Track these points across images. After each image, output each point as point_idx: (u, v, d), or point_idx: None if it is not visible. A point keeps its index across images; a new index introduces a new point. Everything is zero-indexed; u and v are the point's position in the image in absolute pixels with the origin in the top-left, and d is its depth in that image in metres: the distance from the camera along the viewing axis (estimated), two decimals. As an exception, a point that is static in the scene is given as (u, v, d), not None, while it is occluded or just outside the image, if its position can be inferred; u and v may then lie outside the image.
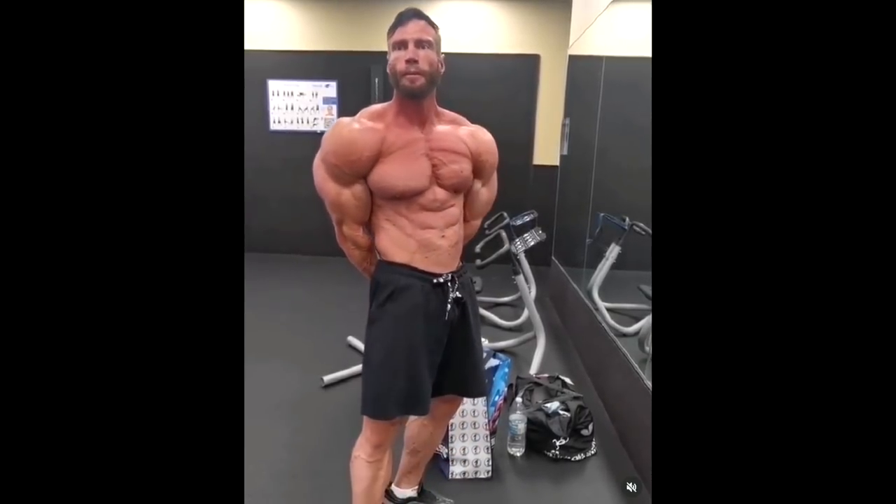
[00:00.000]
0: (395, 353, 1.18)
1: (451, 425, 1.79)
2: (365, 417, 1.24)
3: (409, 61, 1.11)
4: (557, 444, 1.85)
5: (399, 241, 1.21)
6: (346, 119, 1.16)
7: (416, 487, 1.53)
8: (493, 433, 1.83)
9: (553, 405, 1.92)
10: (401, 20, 1.14)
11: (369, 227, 1.27)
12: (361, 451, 1.27)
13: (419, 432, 1.45)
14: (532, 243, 2.53)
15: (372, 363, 1.21)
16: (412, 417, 1.42)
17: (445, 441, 1.79)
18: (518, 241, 2.57)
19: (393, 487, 1.51)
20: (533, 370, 2.44)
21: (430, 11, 5.03)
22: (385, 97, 4.46)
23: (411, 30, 1.12)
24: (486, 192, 1.34)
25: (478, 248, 3.13)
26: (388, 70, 1.15)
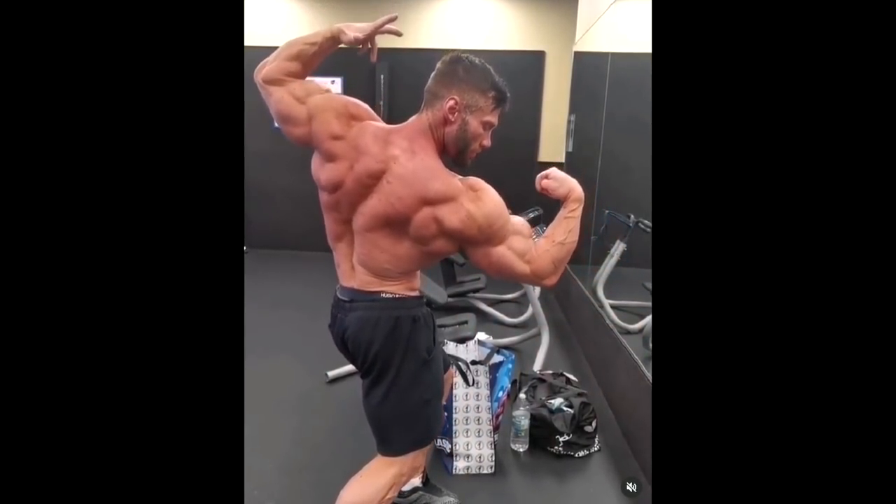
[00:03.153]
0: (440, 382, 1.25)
1: (455, 420, 1.80)
2: (410, 452, 1.22)
3: (484, 147, 1.13)
4: (561, 440, 1.85)
5: (417, 270, 1.19)
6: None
7: (422, 477, 1.53)
8: (496, 429, 1.83)
9: (557, 401, 1.92)
10: (505, 99, 1.11)
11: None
12: (393, 485, 1.22)
13: None
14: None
15: (432, 399, 1.22)
16: None
17: (449, 436, 1.79)
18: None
19: None
20: (537, 366, 2.44)
21: (437, 8, 5.02)
22: (390, 94, 4.47)
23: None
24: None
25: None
26: (466, 131, 1.09)
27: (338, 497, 1.22)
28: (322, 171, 1.13)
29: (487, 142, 1.12)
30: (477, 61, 1.09)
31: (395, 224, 1.07)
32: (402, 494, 1.49)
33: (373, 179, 1.08)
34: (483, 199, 1.05)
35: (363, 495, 1.19)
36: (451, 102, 1.06)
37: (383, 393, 1.16)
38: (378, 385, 1.16)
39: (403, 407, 1.17)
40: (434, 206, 1.04)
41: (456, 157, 1.12)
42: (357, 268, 1.16)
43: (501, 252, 1.08)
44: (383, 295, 1.14)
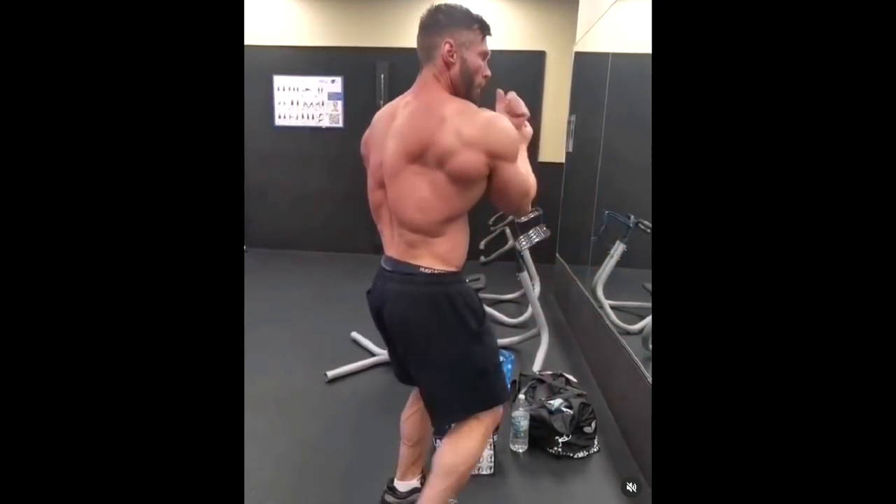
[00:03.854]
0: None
1: (454, 421, 1.80)
2: (484, 412, 1.28)
3: (487, 77, 1.21)
4: (560, 440, 1.85)
5: (464, 244, 1.22)
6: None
7: (420, 477, 1.54)
8: (495, 430, 1.83)
9: (556, 402, 1.92)
10: (488, 27, 1.19)
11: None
12: (483, 439, 1.30)
13: (421, 424, 1.46)
14: (536, 240, 2.52)
15: (489, 368, 1.26)
16: (407, 405, 1.47)
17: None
18: (522, 238, 2.57)
19: (396, 483, 1.52)
20: (536, 367, 2.44)
21: (436, 7, 4.89)
22: (390, 94, 4.47)
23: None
24: None
25: (482, 245, 3.13)
26: (467, 67, 1.17)
27: (434, 464, 1.30)
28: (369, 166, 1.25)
29: (487, 71, 1.20)
30: (451, 3, 1.18)
31: (415, 154, 1.10)
32: (399, 495, 1.50)
33: (389, 135, 1.16)
34: (499, 118, 1.13)
35: (459, 455, 1.27)
36: (447, 46, 1.14)
37: (435, 371, 1.22)
38: (425, 363, 1.22)
39: (460, 381, 1.23)
40: (450, 120, 1.08)
41: (466, 96, 1.18)
42: (396, 232, 1.19)
43: (517, 168, 1.15)
44: (422, 269, 1.16)
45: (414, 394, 1.47)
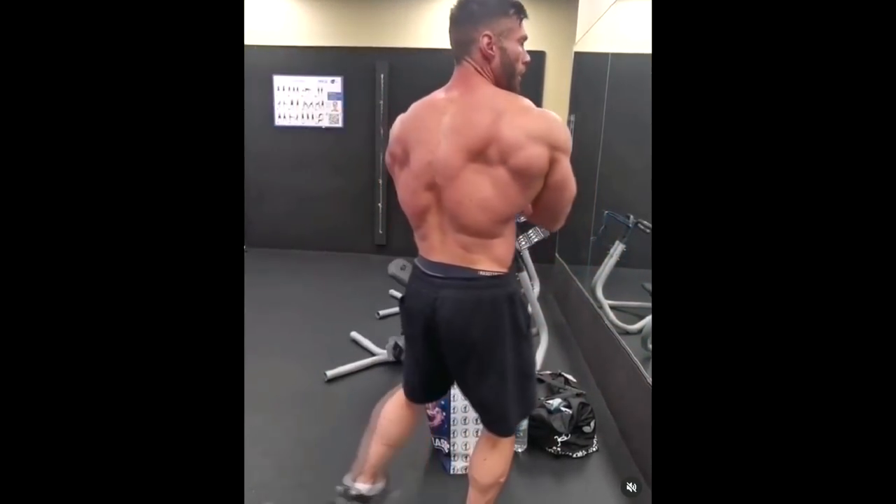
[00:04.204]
0: None
1: (453, 420, 1.80)
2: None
3: (527, 63, 1.14)
4: (559, 440, 1.85)
5: (515, 244, 1.17)
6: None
7: (383, 483, 1.43)
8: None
9: (555, 402, 1.92)
10: (523, 7, 1.11)
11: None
12: (513, 444, 1.31)
13: (412, 426, 1.40)
14: (536, 240, 2.52)
15: (532, 371, 1.25)
16: (395, 405, 1.40)
17: (447, 436, 1.79)
18: (521, 238, 2.57)
19: (360, 486, 1.39)
20: (535, 368, 2.44)
21: (437, 8, 5.00)
22: (390, 93, 4.48)
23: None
24: None
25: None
26: (508, 56, 1.10)
27: (471, 479, 1.31)
28: (402, 170, 1.17)
29: (527, 56, 1.14)
30: None
31: (477, 151, 1.04)
32: (366, 500, 1.40)
33: (441, 132, 1.08)
34: (551, 112, 1.08)
35: (497, 471, 1.27)
36: (486, 39, 1.08)
37: (497, 376, 1.17)
38: (489, 370, 1.17)
39: (515, 386, 1.20)
40: (510, 114, 1.03)
41: (508, 85, 1.12)
42: (449, 236, 1.12)
43: (568, 165, 1.09)
44: (482, 273, 1.12)
45: (399, 394, 1.40)
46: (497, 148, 1.02)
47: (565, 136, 1.06)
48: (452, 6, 1.12)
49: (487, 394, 1.20)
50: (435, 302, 1.14)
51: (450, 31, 1.13)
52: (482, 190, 1.05)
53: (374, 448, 1.39)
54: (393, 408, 1.40)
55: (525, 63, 1.14)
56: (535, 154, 1.03)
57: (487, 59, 1.09)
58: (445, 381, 1.34)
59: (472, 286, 1.12)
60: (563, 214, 1.18)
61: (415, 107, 1.16)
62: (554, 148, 1.04)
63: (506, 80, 1.12)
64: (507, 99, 1.07)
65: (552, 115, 1.06)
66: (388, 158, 1.22)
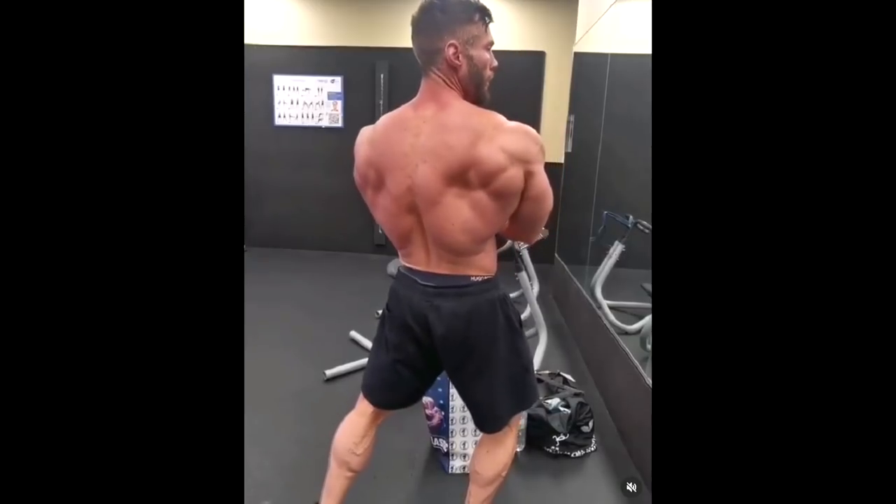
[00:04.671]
0: None
1: (452, 420, 1.80)
2: (514, 418, 1.29)
3: (494, 69, 1.11)
4: (557, 440, 1.86)
5: (490, 235, 1.15)
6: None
7: None
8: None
9: (554, 401, 1.92)
10: (488, 12, 1.08)
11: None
12: (516, 439, 1.33)
13: (371, 452, 1.36)
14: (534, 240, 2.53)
15: (529, 364, 1.25)
16: (365, 443, 1.33)
17: (446, 435, 1.80)
18: (521, 238, 2.57)
19: None
20: (534, 366, 2.45)
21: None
22: (390, 93, 4.48)
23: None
24: None
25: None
26: (475, 65, 1.07)
27: (473, 473, 1.32)
28: (379, 195, 1.13)
29: (495, 62, 1.11)
30: None
31: (455, 177, 1.02)
32: None
33: (418, 155, 1.04)
34: (524, 125, 1.06)
35: (500, 463, 1.29)
36: (452, 49, 1.04)
37: (493, 376, 1.19)
38: (486, 371, 1.18)
39: (511, 383, 1.21)
40: (488, 135, 1.01)
41: (476, 94, 1.10)
42: (434, 254, 1.12)
43: (544, 175, 1.08)
44: (473, 278, 1.13)
45: (360, 418, 1.33)
46: (476, 172, 1.01)
47: (538, 149, 1.05)
48: (414, 12, 1.07)
49: (484, 395, 1.21)
50: (428, 310, 1.14)
51: (413, 39, 1.08)
52: (463, 213, 1.05)
53: (338, 480, 1.33)
54: (354, 435, 1.33)
55: (493, 69, 1.11)
56: (513, 175, 1.02)
57: (454, 69, 1.06)
58: (420, 392, 1.35)
59: (467, 292, 1.13)
60: (542, 225, 1.18)
61: (384, 125, 1.10)
62: (529, 163, 1.03)
63: (474, 89, 1.09)
64: (481, 117, 1.04)
65: (526, 130, 1.04)
66: (358, 180, 1.16)
